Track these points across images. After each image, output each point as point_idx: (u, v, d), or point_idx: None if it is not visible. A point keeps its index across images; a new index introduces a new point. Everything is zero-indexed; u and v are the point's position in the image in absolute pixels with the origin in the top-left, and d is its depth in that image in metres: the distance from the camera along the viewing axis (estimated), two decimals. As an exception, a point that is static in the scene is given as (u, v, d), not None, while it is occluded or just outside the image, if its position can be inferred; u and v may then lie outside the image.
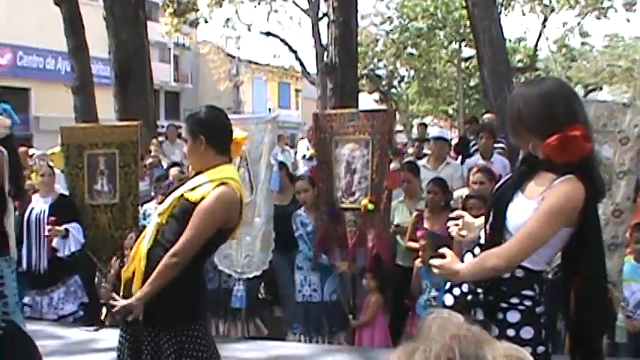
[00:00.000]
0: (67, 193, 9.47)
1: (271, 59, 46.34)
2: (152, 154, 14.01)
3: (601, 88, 51.52)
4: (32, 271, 9.03)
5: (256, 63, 55.27)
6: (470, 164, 10.00)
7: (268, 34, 36.95)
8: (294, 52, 36.67)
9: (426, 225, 8.31)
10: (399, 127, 38.29)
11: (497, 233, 3.82)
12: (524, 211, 3.68)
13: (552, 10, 38.70)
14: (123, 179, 9.25)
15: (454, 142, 14.30)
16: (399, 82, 52.75)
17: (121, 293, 4.79)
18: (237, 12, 37.77)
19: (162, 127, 21.89)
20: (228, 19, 38.35)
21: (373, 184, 8.38)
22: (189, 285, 4.59)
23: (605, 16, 37.27)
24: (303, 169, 13.01)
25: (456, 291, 3.99)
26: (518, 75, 35.28)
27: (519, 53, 46.83)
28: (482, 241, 4.02)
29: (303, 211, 8.92)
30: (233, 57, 51.35)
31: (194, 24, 35.24)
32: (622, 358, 7.60)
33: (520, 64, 43.23)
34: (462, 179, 9.82)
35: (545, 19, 39.42)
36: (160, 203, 4.91)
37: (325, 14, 26.24)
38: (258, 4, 35.79)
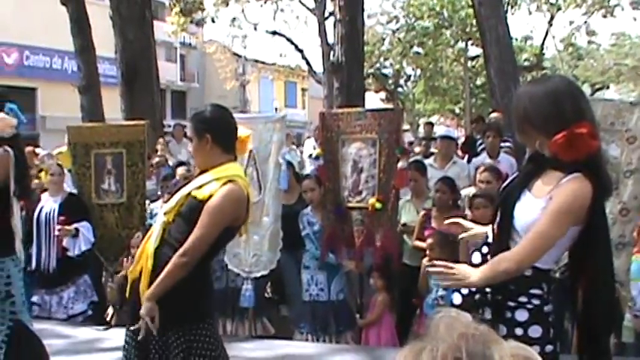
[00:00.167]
0: (74, 192, 9.48)
1: (277, 58, 46.34)
2: (159, 153, 14.03)
3: (608, 87, 51.38)
4: (42, 271, 9.03)
5: (263, 62, 55.20)
6: (476, 163, 9.99)
7: (274, 33, 36.98)
8: (301, 51, 36.68)
9: (433, 224, 8.30)
10: (405, 126, 38.22)
11: (504, 232, 3.81)
12: (531, 210, 3.67)
13: (559, 9, 38.63)
14: (130, 178, 9.27)
15: (461, 141, 14.28)
16: (406, 81, 52.70)
17: (127, 293, 4.80)
18: (243, 11, 37.83)
19: (169, 126, 21.92)
20: (234, 19, 38.41)
21: (380, 183, 8.38)
22: (196, 284, 4.59)
23: (611, 15, 37.20)
24: (309, 168, 13.00)
25: (464, 290, 3.99)
26: (525, 74, 35.18)
27: (526, 52, 46.72)
28: (489, 240, 4.01)
29: (310, 210, 8.92)
30: (239, 56, 51.37)
31: (200, 23, 35.29)
32: (629, 357, 7.59)
33: (527, 63, 43.13)
34: (469, 178, 9.80)
35: (552, 18, 39.37)
36: (167, 202, 4.90)
37: (331, 13, 26.25)
38: (265, 3, 35.80)
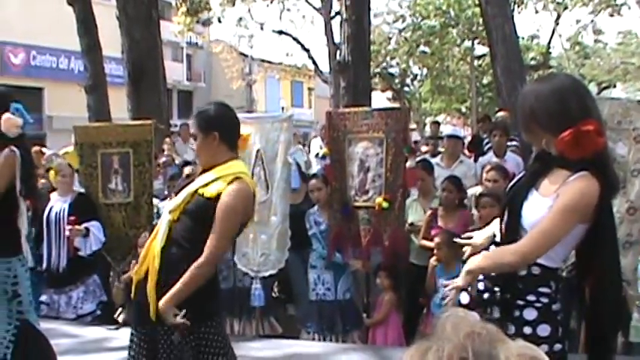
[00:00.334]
0: (83, 191, 9.49)
1: (284, 58, 46.34)
2: (165, 152, 14.04)
3: (614, 86, 51.27)
4: (51, 270, 9.03)
5: (269, 62, 55.27)
6: (483, 162, 9.98)
7: (281, 32, 37.04)
8: (307, 50, 36.73)
9: (440, 223, 8.31)
10: (412, 126, 38.27)
11: (512, 232, 3.81)
12: (539, 208, 3.67)
13: (565, 8, 38.67)
14: (137, 178, 9.28)
15: (467, 140, 14.27)
16: (412, 81, 52.75)
17: (132, 294, 4.79)
18: (249, 11, 37.93)
19: (175, 126, 21.93)
20: (240, 18, 38.44)
21: (387, 183, 8.38)
22: (205, 283, 4.59)
23: (618, 14, 37.21)
24: (316, 167, 13.00)
25: (472, 289, 3.99)
26: (532, 73, 35.17)
27: (532, 51, 46.71)
28: (497, 239, 4.01)
29: (317, 209, 8.93)
30: (246, 56, 51.45)
31: (207, 23, 35.34)
32: (636, 357, 7.57)
33: (533, 62, 43.12)
34: (476, 177, 9.80)
35: (559, 17, 39.43)
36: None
37: (338, 13, 26.29)
38: (271, 2, 35.84)
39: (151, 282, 4.52)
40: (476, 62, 44.75)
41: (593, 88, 45.46)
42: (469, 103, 49.03)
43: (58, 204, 9.12)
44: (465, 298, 4.01)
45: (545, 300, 3.77)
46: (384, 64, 46.52)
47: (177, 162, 13.23)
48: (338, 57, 17.24)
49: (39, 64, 39.54)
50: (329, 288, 8.67)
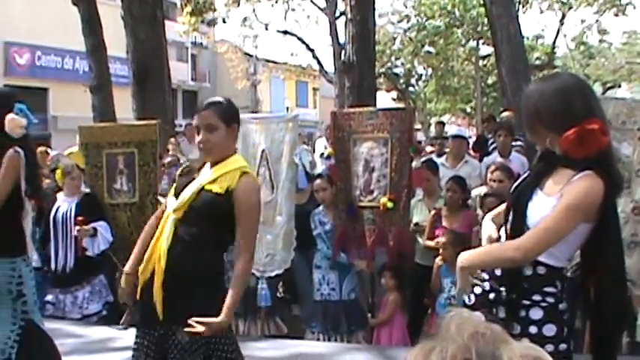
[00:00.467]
0: (89, 191, 9.50)
1: (289, 58, 46.43)
2: (170, 152, 14.04)
3: (619, 86, 51.21)
4: (58, 270, 9.04)
5: (274, 62, 55.36)
6: (488, 162, 9.97)
7: (285, 32, 37.04)
8: (312, 50, 36.74)
9: (444, 223, 8.31)
10: (416, 126, 38.27)
11: (518, 232, 3.81)
12: (543, 208, 3.67)
13: (570, 8, 38.68)
14: (142, 178, 9.28)
15: (472, 140, 14.26)
16: (417, 81, 52.72)
17: (138, 295, 4.77)
18: (254, 11, 37.87)
19: (180, 126, 21.94)
20: (245, 18, 38.46)
21: (392, 183, 8.38)
22: (215, 281, 4.64)
23: (623, 13, 37.22)
24: (320, 167, 13.01)
25: (477, 289, 3.98)
26: (536, 73, 35.07)
27: (537, 51, 46.73)
28: (503, 240, 4.00)
29: (322, 209, 8.93)
30: (250, 56, 51.47)
31: (212, 23, 35.40)
32: (642, 357, 7.57)
33: (538, 62, 43.13)
34: (480, 177, 9.80)
35: (563, 17, 39.43)
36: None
37: (342, 13, 26.29)
38: (276, 2, 35.86)
39: (157, 282, 4.50)
40: (481, 62, 44.72)
41: (597, 88, 45.48)
42: (474, 103, 49.03)
43: (64, 204, 9.12)
44: (469, 298, 4.01)
45: (551, 300, 3.77)
46: (389, 64, 46.54)
47: (182, 162, 13.23)
48: (343, 57, 17.22)
49: (44, 64, 39.58)
50: (334, 288, 8.68)
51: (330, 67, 34.81)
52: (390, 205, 8.30)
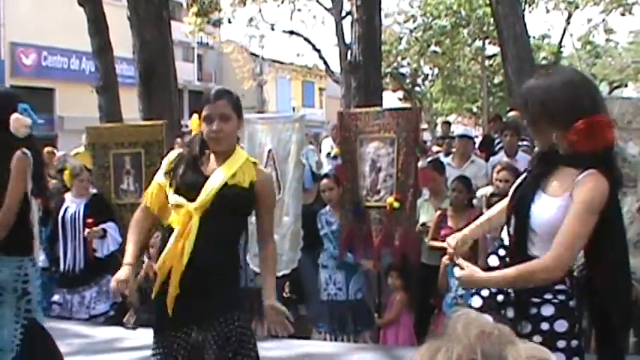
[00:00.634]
0: (96, 192, 9.52)
1: (295, 58, 46.48)
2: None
3: (626, 85, 51.13)
4: (67, 271, 9.06)
5: (280, 62, 55.31)
6: (494, 162, 9.97)
7: (292, 32, 37.04)
8: (318, 50, 36.70)
9: (449, 223, 8.30)
10: (423, 126, 38.25)
11: (521, 236, 3.80)
12: (548, 209, 3.66)
13: (576, 7, 38.64)
14: (149, 178, 9.23)
15: (478, 140, 14.26)
16: (423, 81, 52.64)
17: (154, 293, 4.66)
18: (260, 11, 37.90)
19: (186, 126, 21.92)
20: (251, 19, 38.49)
21: (398, 183, 8.38)
22: (237, 277, 4.80)
23: (630, 13, 37.14)
24: (327, 167, 13.01)
25: (485, 292, 3.98)
26: (543, 72, 35.08)
27: (543, 50, 46.68)
28: (506, 242, 3.99)
29: (328, 209, 8.93)
30: (257, 56, 51.50)
31: (218, 23, 35.38)
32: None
33: (544, 62, 43.05)
34: (487, 177, 9.79)
35: (570, 16, 39.37)
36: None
37: (349, 13, 26.22)
38: (282, 2, 35.82)
39: (174, 282, 4.41)
40: (487, 62, 44.68)
41: (604, 88, 45.51)
42: (480, 102, 48.96)
43: (73, 205, 9.14)
44: (476, 301, 4.00)
45: (561, 297, 3.77)
46: (395, 64, 46.47)
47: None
48: (349, 57, 17.21)
49: (50, 64, 39.63)
50: (340, 288, 8.67)
51: (336, 67, 34.88)
52: (396, 205, 8.31)
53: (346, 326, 8.66)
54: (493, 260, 4.03)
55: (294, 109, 52.72)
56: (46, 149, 10.57)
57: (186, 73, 48.69)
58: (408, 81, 49.49)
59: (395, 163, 8.38)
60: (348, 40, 23.98)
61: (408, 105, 39.75)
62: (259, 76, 52.79)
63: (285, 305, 7.02)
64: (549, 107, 3.66)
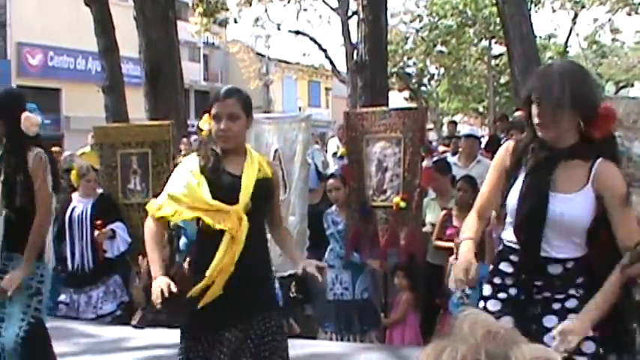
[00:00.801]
0: (104, 192, 9.54)
1: (301, 58, 46.39)
2: (182, 152, 14.07)
3: (632, 85, 51.00)
4: (75, 271, 9.08)
5: (286, 62, 55.29)
6: (500, 162, 9.95)
7: (298, 32, 37.04)
8: (324, 50, 36.68)
9: (455, 223, 8.29)
10: (429, 125, 38.23)
11: (535, 242, 3.80)
12: (570, 206, 3.69)
13: (583, 7, 38.62)
14: (156, 178, 9.31)
15: (485, 140, 14.25)
16: (429, 80, 52.60)
17: (193, 293, 4.43)
18: (266, 11, 38.06)
19: (193, 126, 21.94)
20: (257, 19, 38.53)
21: (405, 182, 8.39)
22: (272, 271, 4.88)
23: (636, 12, 37.11)
24: (333, 167, 13.02)
25: (502, 295, 3.99)
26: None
27: (550, 50, 46.57)
28: (515, 247, 3.98)
29: (335, 209, 8.93)
30: (263, 56, 51.51)
31: (224, 23, 35.33)
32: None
33: (550, 61, 43.00)
34: (493, 177, 9.78)
35: (576, 16, 39.39)
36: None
37: (355, 12, 26.26)
38: (288, 2, 35.82)
39: (219, 284, 4.35)
40: (493, 62, 44.66)
41: (610, 88, 45.50)
42: (486, 102, 48.91)
43: (80, 205, 9.17)
44: (495, 305, 4.01)
45: (581, 291, 3.81)
46: (401, 64, 46.43)
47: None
48: (355, 57, 17.26)
49: (56, 64, 39.62)
50: (347, 288, 8.68)
51: (342, 66, 34.83)
52: (402, 204, 8.32)
53: (352, 326, 8.65)
54: (505, 266, 4.03)
55: (300, 108, 52.76)
56: (53, 149, 10.57)
57: (192, 73, 48.68)
58: (414, 81, 49.46)
59: (401, 162, 8.39)
60: (354, 39, 23.97)
61: (414, 105, 39.68)
62: (265, 76, 52.75)
63: (291, 305, 7.00)
64: (574, 93, 3.60)
